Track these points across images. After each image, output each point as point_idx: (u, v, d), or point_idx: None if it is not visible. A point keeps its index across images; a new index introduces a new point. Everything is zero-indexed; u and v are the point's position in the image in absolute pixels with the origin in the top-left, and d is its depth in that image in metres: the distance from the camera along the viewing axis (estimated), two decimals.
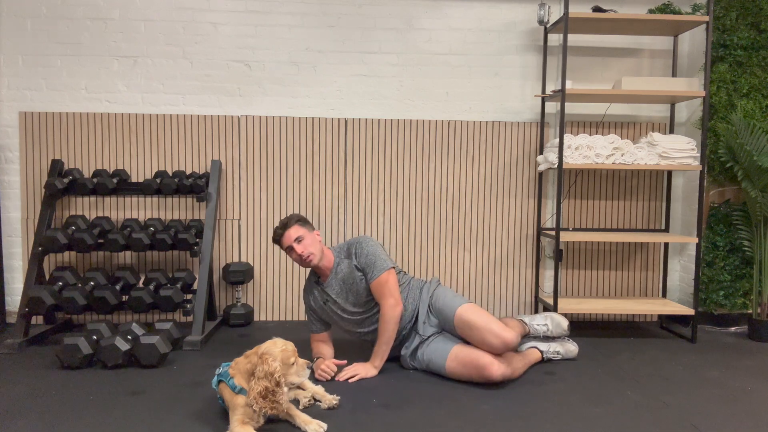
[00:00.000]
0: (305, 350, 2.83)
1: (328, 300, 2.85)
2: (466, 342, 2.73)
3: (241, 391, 2.12)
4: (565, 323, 3.05)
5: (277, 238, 2.79)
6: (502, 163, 3.87)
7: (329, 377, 2.69)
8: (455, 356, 2.67)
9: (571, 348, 3.06)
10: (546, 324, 3.02)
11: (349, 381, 2.67)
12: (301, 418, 2.16)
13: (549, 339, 3.04)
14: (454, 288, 3.89)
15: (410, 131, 3.83)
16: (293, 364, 2.17)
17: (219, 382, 2.24)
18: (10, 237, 3.71)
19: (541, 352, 2.99)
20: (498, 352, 2.63)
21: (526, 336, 3.03)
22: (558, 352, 3.02)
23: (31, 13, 3.64)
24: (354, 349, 3.04)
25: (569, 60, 3.73)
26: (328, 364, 2.73)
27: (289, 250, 2.76)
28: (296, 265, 3.80)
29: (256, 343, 2.24)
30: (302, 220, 2.80)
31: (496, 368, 2.57)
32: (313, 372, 2.71)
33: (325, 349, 2.90)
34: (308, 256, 2.72)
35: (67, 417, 2.26)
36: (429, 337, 2.81)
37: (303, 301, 2.99)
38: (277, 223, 3.76)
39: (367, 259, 2.77)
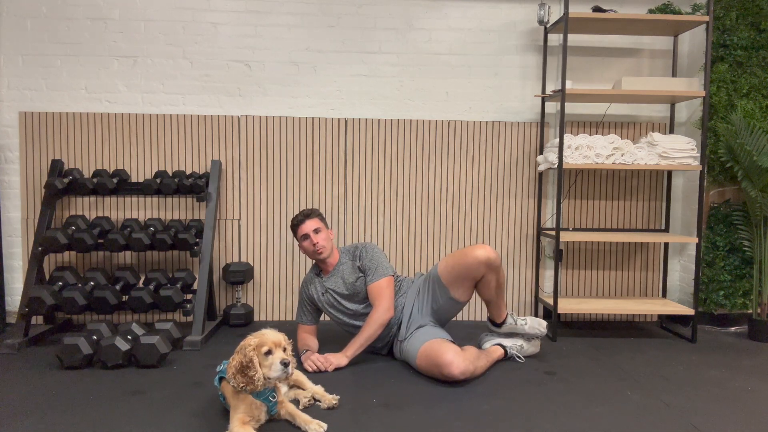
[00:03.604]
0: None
1: (326, 291, 3.02)
2: (440, 333, 2.83)
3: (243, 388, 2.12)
4: (544, 322, 3.02)
5: (297, 224, 3.01)
6: (502, 163, 3.87)
7: (317, 369, 2.79)
8: (423, 353, 2.74)
9: (534, 345, 3.07)
10: (525, 319, 3.02)
11: (329, 370, 2.78)
12: (302, 418, 2.16)
13: (523, 339, 3.04)
14: None
15: (410, 131, 3.83)
16: (268, 353, 2.11)
17: (220, 379, 2.24)
18: (10, 237, 3.71)
19: (504, 348, 3.00)
20: (482, 260, 2.75)
21: (502, 323, 3.01)
22: (522, 347, 3.03)
23: (31, 13, 3.64)
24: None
25: (569, 60, 3.73)
26: (318, 357, 2.84)
27: (304, 238, 2.99)
28: (296, 265, 3.82)
29: None
30: (322, 217, 3.07)
31: (455, 367, 2.59)
32: (300, 363, 2.84)
33: (312, 341, 3.05)
34: (321, 249, 2.97)
35: (67, 417, 2.26)
36: (410, 331, 2.91)
37: (299, 292, 3.15)
38: (277, 222, 3.79)
39: (371, 263, 2.97)
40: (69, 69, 3.69)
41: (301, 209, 3.23)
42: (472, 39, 3.82)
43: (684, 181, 3.89)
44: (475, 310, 3.91)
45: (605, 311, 3.52)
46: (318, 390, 2.43)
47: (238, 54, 3.75)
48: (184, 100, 3.75)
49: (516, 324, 3.00)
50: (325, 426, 2.13)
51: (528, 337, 3.05)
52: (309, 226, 2.97)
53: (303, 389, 2.44)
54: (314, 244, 2.96)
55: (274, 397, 2.18)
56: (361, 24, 3.77)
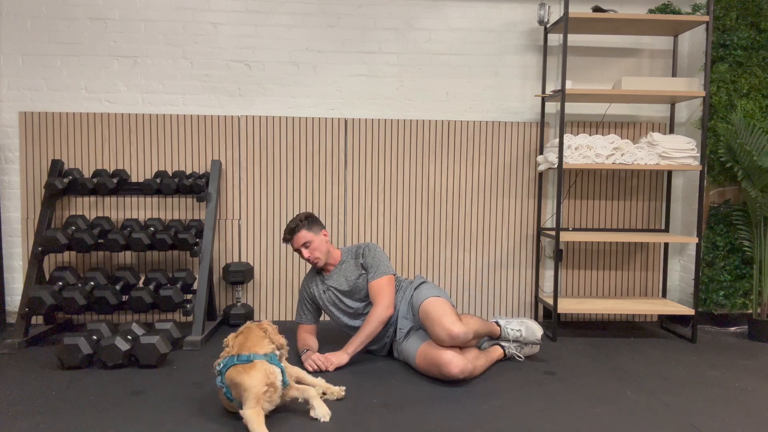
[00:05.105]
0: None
1: (328, 289, 3.02)
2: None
3: (256, 356, 2.17)
4: (539, 332, 3.00)
5: (286, 242, 3.01)
6: (502, 163, 3.87)
7: (317, 369, 2.79)
8: (422, 353, 2.74)
9: (534, 347, 3.05)
10: (520, 330, 2.99)
11: (330, 370, 2.78)
12: (317, 401, 2.29)
13: (520, 344, 3.01)
14: (454, 288, 3.89)
15: (410, 131, 3.83)
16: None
17: (226, 371, 2.20)
18: (10, 237, 3.71)
19: (503, 348, 2.99)
20: (445, 345, 2.65)
21: (498, 338, 3.01)
22: (521, 348, 3.01)
23: (31, 13, 3.64)
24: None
25: (569, 60, 3.72)
26: (318, 356, 2.84)
27: (298, 251, 2.99)
28: (296, 265, 3.83)
29: None
30: (309, 222, 2.97)
31: (454, 366, 2.59)
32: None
33: (312, 341, 3.05)
34: (314, 261, 2.98)
35: (67, 417, 2.26)
36: (407, 332, 2.90)
37: (300, 291, 3.15)
38: (277, 222, 3.79)
39: (373, 261, 2.98)
40: (69, 69, 3.68)
41: (288, 222, 3.12)
42: (472, 39, 3.82)
43: (684, 181, 3.89)
44: (474, 311, 3.91)
45: (605, 311, 3.52)
46: (322, 383, 2.45)
47: (238, 54, 3.75)
48: (184, 100, 3.75)
49: (511, 339, 2.99)
50: (329, 414, 2.23)
51: (526, 344, 3.04)
52: (297, 242, 2.94)
53: (305, 384, 2.43)
54: (308, 258, 2.96)
55: (282, 368, 2.23)
56: (361, 24, 3.77)
